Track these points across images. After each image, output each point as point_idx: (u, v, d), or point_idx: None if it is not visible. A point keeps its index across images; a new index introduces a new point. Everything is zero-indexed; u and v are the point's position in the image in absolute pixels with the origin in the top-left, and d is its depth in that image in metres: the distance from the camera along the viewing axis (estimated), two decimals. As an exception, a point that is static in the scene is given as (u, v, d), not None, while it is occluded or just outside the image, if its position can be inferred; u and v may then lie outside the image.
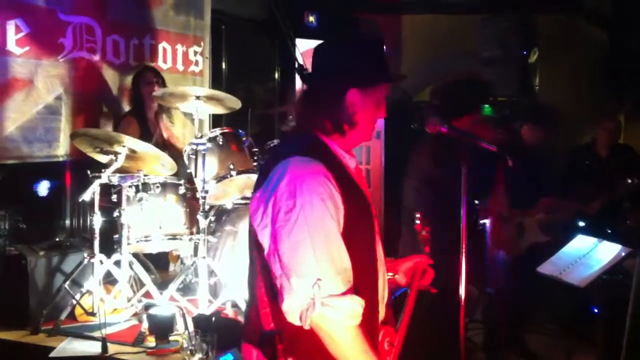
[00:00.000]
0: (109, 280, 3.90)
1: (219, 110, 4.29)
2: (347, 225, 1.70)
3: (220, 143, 4.00)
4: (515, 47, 5.63)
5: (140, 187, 3.92)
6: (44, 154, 4.44)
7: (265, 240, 1.70)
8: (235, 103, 4.20)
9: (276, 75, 6.99)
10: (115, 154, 3.76)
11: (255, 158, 4.23)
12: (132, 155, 3.84)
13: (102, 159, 3.85)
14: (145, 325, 3.51)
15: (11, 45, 4.18)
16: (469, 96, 3.19)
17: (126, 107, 4.93)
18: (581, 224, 4.47)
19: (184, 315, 3.47)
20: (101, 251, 3.79)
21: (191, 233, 4.07)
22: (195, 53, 5.64)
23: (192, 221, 4.09)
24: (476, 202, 3.33)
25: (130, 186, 3.87)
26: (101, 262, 3.76)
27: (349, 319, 1.63)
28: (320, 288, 1.60)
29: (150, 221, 3.95)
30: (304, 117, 1.83)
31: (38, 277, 3.78)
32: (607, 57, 6.41)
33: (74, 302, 3.69)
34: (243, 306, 3.68)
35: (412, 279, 2.12)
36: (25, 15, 4.25)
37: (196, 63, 5.65)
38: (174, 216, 4.05)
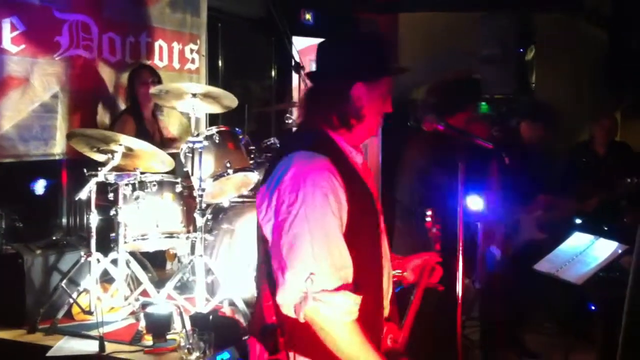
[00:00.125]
0: (106, 278, 3.90)
1: (216, 109, 4.28)
2: (351, 221, 1.70)
3: (217, 141, 3.99)
4: (513, 45, 5.62)
5: (137, 185, 3.91)
6: (40, 153, 4.42)
7: (268, 233, 1.72)
8: (232, 101, 4.20)
9: (273, 73, 6.99)
10: (112, 152, 3.75)
11: (252, 156, 4.22)
12: (128, 153, 3.83)
13: (99, 157, 3.84)
14: (142, 324, 3.50)
15: (6, 43, 4.16)
16: (462, 94, 3.21)
17: (122, 105, 4.92)
18: (578, 221, 4.48)
19: (181, 314, 3.46)
20: (98, 250, 3.78)
21: (188, 231, 4.07)
22: (192, 51, 5.63)
23: (189, 219, 4.09)
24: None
25: (126, 184, 3.86)
26: (98, 260, 3.75)
27: (342, 314, 1.63)
28: (314, 283, 1.61)
29: (147, 219, 3.94)
30: (311, 113, 1.84)
31: (35, 275, 3.77)
32: (606, 56, 6.42)
33: (71, 300, 3.69)
34: (240, 304, 3.68)
35: (420, 276, 2.13)
36: (20, 13, 4.23)
37: (192, 61, 5.64)
38: (171, 214, 4.04)
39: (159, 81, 4.67)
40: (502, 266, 4.16)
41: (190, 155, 3.93)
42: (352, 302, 1.64)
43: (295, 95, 5.49)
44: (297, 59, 5.31)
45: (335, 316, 1.62)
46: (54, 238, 4.26)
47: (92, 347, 3.36)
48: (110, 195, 3.85)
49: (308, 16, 6.99)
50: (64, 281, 3.72)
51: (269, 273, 1.73)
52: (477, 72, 5.83)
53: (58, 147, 4.51)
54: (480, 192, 3.36)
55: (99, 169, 3.70)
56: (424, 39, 6.87)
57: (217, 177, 3.96)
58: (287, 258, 1.64)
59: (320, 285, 1.62)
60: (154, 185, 3.97)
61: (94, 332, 3.48)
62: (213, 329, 3.19)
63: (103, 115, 4.84)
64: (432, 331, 2.63)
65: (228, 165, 3.96)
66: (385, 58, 1.84)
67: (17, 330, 3.61)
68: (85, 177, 3.69)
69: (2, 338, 3.55)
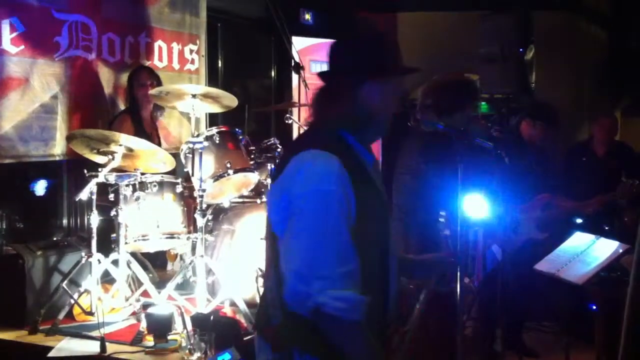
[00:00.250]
0: (107, 279, 3.90)
1: (216, 108, 4.28)
2: (360, 220, 1.71)
3: (217, 142, 4.00)
4: (513, 44, 5.62)
5: (138, 186, 3.91)
6: (40, 153, 4.42)
7: (278, 230, 1.73)
8: (232, 100, 4.20)
9: (272, 73, 6.98)
10: (112, 153, 3.75)
11: (252, 156, 4.23)
12: (128, 153, 3.83)
13: (100, 159, 3.84)
14: (143, 325, 3.50)
15: (6, 44, 4.16)
16: (459, 94, 3.21)
17: (122, 106, 4.92)
18: (579, 221, 4.47)
19: (182, 314, 3.46)
20: (99, 250, 3.79)
21: (189, 232, 4.07)
22: (191, 51, 5.63)
23: (190, 220, 4.09)
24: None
25: (127, 185, 3.86)
26: (99, 261, 3.76)
27: (350, 313, 1.64)
28: (323, 281, 1.62)
29: (148, 220, 3.94)
30: (321, 112, 1.85)
31: (35, 276, 3.77)
32: (605, 55, 6.42)
33: (72, 301, 3.69)
34: (241, 305, 3.68)
35: (428, 278, 2.14)
36: (20, 14, 4.23)
37: (192, 61, 5.64)
38: (172, 215, 4.04)
39: (157, 83, 4.67)
40: (502, 266, 4.15)
41: (191, 155, 3.93)
42: (358, 302, 1.65)
43: (295, 95, 5.49)
44: (297, 59, 5.32)
45: (342, 314, 1.63)
46: (54, 239, 4.27)
47: (93, 347, 3.36)
48: (111, 196, 3.85)
49: (307, 16, 7.00)
50: (65, 282, 3.72)
51: (276, 270, 1.74)
52: (477, 72, 5.83)
53: (58, 148, 4.50)
54: (479, 191, 3.37)
55: (100, 169, 3.70)
56: (423, 39, 6.87)
57: (217, 177, 3.96)
58: (297, 256, 1.65)
59: (328, 283, 1.62)
60: (155, 185, 3.97)
61: (95, 333, 3.49)
62: (214, 330, 3.19)
63: (103, 116, 4.84)
64: (433, 331, 2.63)
65: (228, 165, 3.96)
66: (396, 58, 1.85)
67: (18, 331, 3.62)
68: (86, 178, 3.69)
69: (3, 339, 3.55)
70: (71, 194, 4.52)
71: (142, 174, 3.93)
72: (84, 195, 3.64)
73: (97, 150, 3.80)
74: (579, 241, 3.55)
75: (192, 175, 3.94)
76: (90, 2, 4.72)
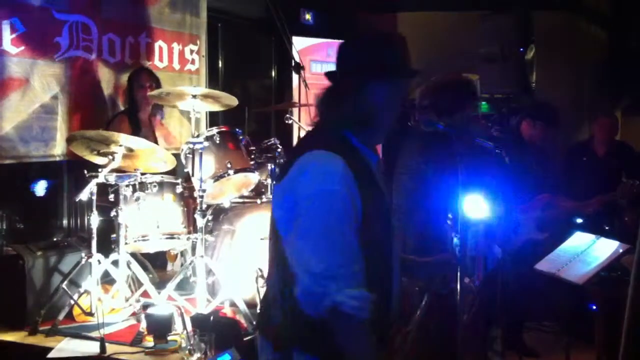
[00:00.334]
0: (107, 280, 3.90)
1: (216, 107, 4.28)
2: (364, 220, 1.72)
3: (217, 142, 4.00)
4: (513, 44, 5.62)
5: (138, 186, 3.91)
6: (41, 154, 4.42)
7: (282, 230, 1.74)
8: (232, 99, 4.20)
9: (273, 73, 6.99)
10: (112, 154, 3.75)
11: (252, 157, 4.23)
12: (128, 153, 3.83)
13: (100, 161, 3.84)
14: (143, 325, 3.50)
15: (6, 44, 4.16)
16: (458, 94, 3.21)
17: (122, 106, 4.92)
18: (579, 221, 4.47)
19: (182, 315, 3.46)
20: (99, 251, 3.78)
21: (189, 232, 4.07)
22: (192, 52, 5.63)
23: (190, 220, 4.09)
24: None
25: (127, 185, 3.86)
26: (99, 261, 3.76)
27: (361, 312, 1.65)
28: (332, 280, 1.63)
29: (148, 220, 3.94)
30: (327, 112, 1.86)
31: (35, 277, 3.77)
32: (605, 55, 6.42)
33: (72, 302, 3.69)
34: (241, 305, 3.68)
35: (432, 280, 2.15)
36: (20, 14, 4.23)
37: (192, 61, 5.64)
38: (172, 215, 4.04)
39: (157, 84, 4.67)
40: (502, 266, 4.15)
41: (191, 156, 3.93)
42: (369, 299, 1.66)
43: (295, 96, 5.49)
44: (297, 59, 5.31)
45: (357, 312, 1.64)
46: (54, 239, 4.27)
47: (93, 348, 3.36)
48: (111, 197, 3.85)
49: (308, 16, 7.00)
50: (65, 282, 3.72)
51: (278, 270, 1.75)
52: (477, 72, 5.83)
53: (58, 148, 4.50)
54: (479, 192, 3.37)
55: (100, 170, 3.70)
56: (423, 39, 6.85)
57: (217, 177, 3.96)
58: (309, 257, 1.66)
59: (344, 282, 1.64)
60: (155, 186, 3.97)
61: (94, 334, 3.48)
62: (214, 330, 3.19)
63: (103, 116, 4.84)
64: (435, 331, 2.63)
65: (229, 165, 3.96)
66: (402, 60, 1.85)
67: (18, 331, 3.62)
68: (86, 178, 3.69)
69: (3, 339, 3.55)
70: (71, 195, 4.52)
71: (142, 174, 3.93)
72: (84, 195, 3.64)
73: (97, 151, 3.79)
74: (579, 241, 3.54)
75: (192, 175, 3.94)
76: (91, 2, 4.72)
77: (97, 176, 3.67)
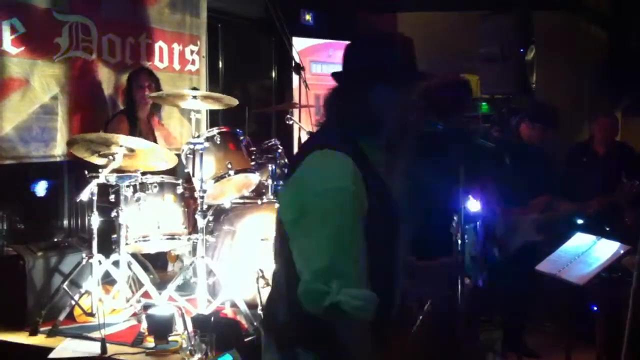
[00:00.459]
0: (108, 280, 3.89)
1: (217, 106, 4.28)
2: (370, 220, 1.72)
3: (218, 142, 4.00)
4: (514, 44, 5.62)
5: (138, 187, 3.91)
6: (41, 154, 4.42)
7: (289, 229, 1.73)
8: (232, 99, 4.20)
9: (273, 74, 6.99)
10: (113, 154, 3.74)
11: (253, 157, 4.22)
12: (129, 154, 3.82)
13: (101, 162, 3.83)
14: (144, 326, 3.50)
15: (7, 45, 4.16)
16: (454, 95, 3.21)
17: (122, 107, 4.92)
18: (580, 221, 4.47)
19: (182, 315, 3.46)
20: (99, 251, 3.78)
21: (189, 233, 4.07)
22: (192, 52, 5.63)
23: (190, 221, 4.09)
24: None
25: (128, 186, 3.86)
26: (100, 262, 3.75)
27: (363, 312, 1.64)
28: (340, 279, 1.62)
29: (149, 221, 3.94)
30: (333, 113, 1.86)
31: (36, 277, 3.76)
32: (605, 55, 6.42)
33: (73, 302, 3.68)
34: (242, 306, 3.68)
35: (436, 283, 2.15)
36: (20, 14, 4.23)
37: (193, 62, 5.64)
38: (172, 216, 4.04)
39: (156, 84, 4.67)
40: (501, 266, 4.16)
41: (191, 156, 3.93)
42: (374, 300, 1.66)
43: (296, 96, 5.49)
44: (297, 60, 5.31)
45: (358, 312, 1.63)
46: (55, 240, 4.27)
47: (93, 349, 3.35)
48: (112, 197, 3.85)
49: (308, 17, 7.00)
50: (66, 283, 3.71)
51: (287, 270, 1.75)
52: (477, 72, 5.84)
53: (58, 149, 4.50)
54: (478, 192, 3.37)
55: (100, 170, 3.70)
56: (423, 39, 6.82)
57: (218, 178, 3.96)
58: (313, 254, 1.66)
59: (347, 281, 1.63)
60: (155, 186, 3.97)
61: (95, 334, 3.47)
62: (214, 331, 3.19)
63: (103, 117, 4.84)
64: (435, 332, 2.63)
65: (229, 166, 3.96)
66: (409, 63, 1.85)
67: (19, 332, 3.60)
68: (86, 179, 3.69)
69: (3, 340, 3.54)
70: (72, 195, 4.52)
71: (143, 174, 3.93)
72: (84, 196, 3.63)
73: (97, 153, 3.79)
74: (580, 242, 3.55)
75: (193, 176, 3.93)
76: (91, 3, 4.72)
77: (97, 177, 3.66)
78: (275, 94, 6.96)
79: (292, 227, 1.73)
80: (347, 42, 1.90)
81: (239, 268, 3.98)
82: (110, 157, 3.74)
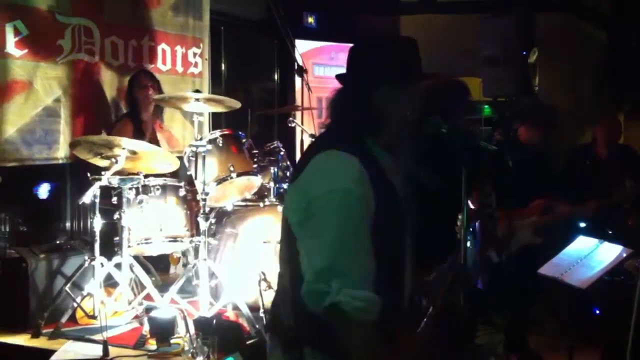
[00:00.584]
0: (110, 282, 3.90)
1: (219, 108, 4.28)
2: (378, 221, 1.72)
3: (220, 145, 4.00)
4: (515, 46, 5.61)
5: (141, 189, 3.91)
6: (44, 157, 4.43)
7: (296, 231, 1.74)
8: (234, 102, 4.20)
9: (276, 76, 6.99)
10: (116, 157, 3.75)
11: (255, 160, 4.22)
12: (132, 156, 3.83)
13: (103, 164, 3.84)
14: (146, 328, 3.50)
15: (10, 47, 4.17)
16: (450, 97, 3.21)
17: (125, 109, 4.93)
18: (582, 224, 4.46)
19: (184, 318, 3.46)
20: (102, 254, 3.78)
21: (192, 235, 4.07)
22: (195, 54, 5.63)
23: (193, 223, 4.09)
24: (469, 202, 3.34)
25: (130, 188, 3.86)
26: (102, 264, 3.76)
27: (364, 314, 1.64)
28: (339, 280, 1.63)
29: (151, 223, 3.94)
30: (338, 114, 1.86)
31: (38, 279, 3.77)
32: (605, 55, 6.41)
33: (75, 304, 3.69)
34: (244, 308, 3.68)
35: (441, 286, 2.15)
36: (23, 17, 4.24)
37: (195, 65, 5.64)
38: (175, 218, 4.04)
39: (157, 85, 4.68)
40: (501, 269, 4.15)
41: (194, 159, 3.93)
42: (376, 302, 1.66)
43: (298, 99, 5.50)
44: (300, 62, 5.32)
45: (359, 313, 1.64)
46: (57, 242, 4.28)
47: (95, 351, 3.35)
48: (114, 199, 3.86)
49: (310, 19, 7.00)
50: (68, 285, 3.72)
51: (292, 271, 1.75)
52: (479, 75, 5.83)
53: (61, 151, 4.51)
54: (478, 194, 3.36)
55: (103, 173, 3.70)
56: (425, 41, 6.82)
57: (220, 180, 3.96)
58: (318, 255, 1.66)
59: (348, 282, 1.63)
60: (158, 189, 3.97)
61: (97, 337, 3.48)
62: (216, 333, 3.19)
63: (106, 119, 4.84)
64: (441, 335, 2.63)
65: (231, 168, 3.96)
66: (413, 64, 1.86)
67: (21, 334, 3.62)
68: (89, 181, 3.69)
69: (6, 342, 3.55)
70: (74, 198, 4.52)
71: (146, 176, 3.93)
72: (87, 198, 3.63)
73: (100, 155, 3.80)
74: (582, 245, 3.54)
75: (195, 178, 3.94)
76: (93, 5, 4.73)
77: (100, 179, 3.67)
78: (277, 97, 6.97)
79: (299, 228, 1.74)
80: (350, 45, 1.91)
81: (241, 271, 3.98)
82: (113, 160, 3.74)
